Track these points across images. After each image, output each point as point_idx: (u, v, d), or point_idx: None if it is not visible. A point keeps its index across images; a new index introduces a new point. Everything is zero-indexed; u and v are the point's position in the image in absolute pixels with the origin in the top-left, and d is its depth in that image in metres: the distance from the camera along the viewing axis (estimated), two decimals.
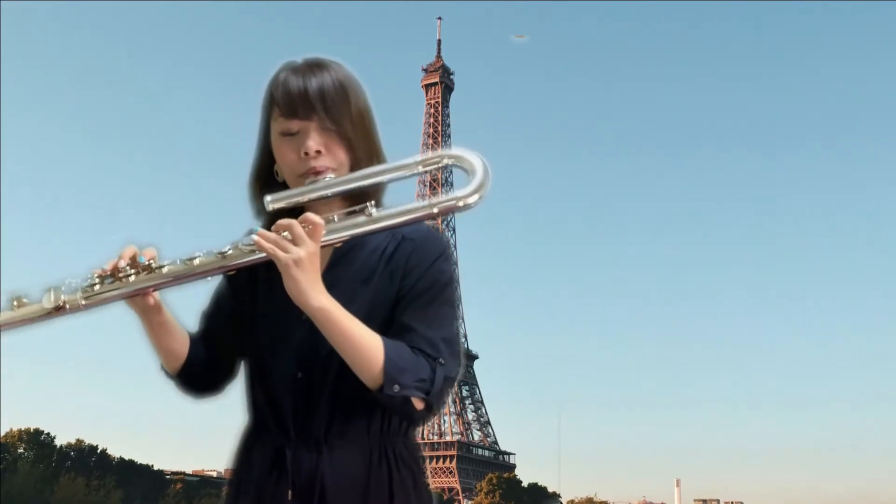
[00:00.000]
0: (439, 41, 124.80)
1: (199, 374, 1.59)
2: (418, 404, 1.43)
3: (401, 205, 1.43)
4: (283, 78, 1.50)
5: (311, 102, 1.47)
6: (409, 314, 1.48)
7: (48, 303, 1.41)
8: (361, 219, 1.42)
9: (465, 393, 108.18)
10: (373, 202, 1.42)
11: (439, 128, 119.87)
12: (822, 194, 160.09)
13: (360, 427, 1.50)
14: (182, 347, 1.56)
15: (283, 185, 1.52)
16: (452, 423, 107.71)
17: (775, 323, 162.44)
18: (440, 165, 1.44)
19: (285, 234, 1.39)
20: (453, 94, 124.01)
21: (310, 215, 1.39)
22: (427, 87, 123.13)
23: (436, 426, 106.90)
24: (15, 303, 1.43)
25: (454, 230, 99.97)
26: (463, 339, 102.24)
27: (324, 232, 1.40)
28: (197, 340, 1.60)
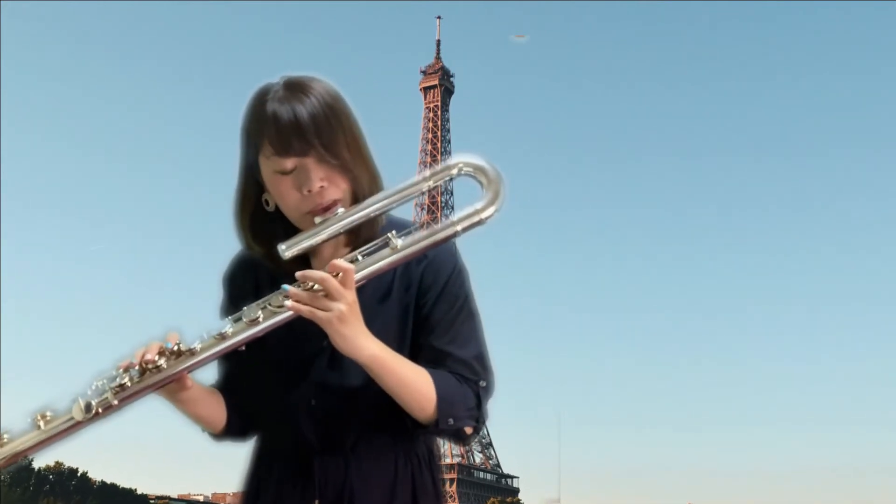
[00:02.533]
0: (438, 42, 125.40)
1: (241, 425, 1.63)
2: (468, 430, 1.55)
3: (423, 229, 1.45)
4: (271, 111, 1.46)
5: (306, 138, 1.44)
6: (437, 336, 1.54)
7: (78, 414, 1.37)
8: (386, 251, 1.43)
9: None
10: (394, 231, 1.44)
11: (438, 133, 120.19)
12: (849, 202, 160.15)
13: (384, 439, 1.57)
14: (218, 411, 1.59)
15: (276, 215, 1.53)
16: (452, 445, 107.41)
17: (795, 337, 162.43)
18: (452, 176, 1.47)
19: (312, 285, 1.40)
20: (453, 98, 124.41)
21: (339, 262, 1.40)
22: (425, 90, 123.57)
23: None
24: (41, 421, 1.39)
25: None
26: None
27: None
28: (226, 389, 1.63)
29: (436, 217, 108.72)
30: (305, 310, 1.39)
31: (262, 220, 1.54)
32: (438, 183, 1.47)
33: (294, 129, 1.45)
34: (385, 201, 1.46)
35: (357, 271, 1.41)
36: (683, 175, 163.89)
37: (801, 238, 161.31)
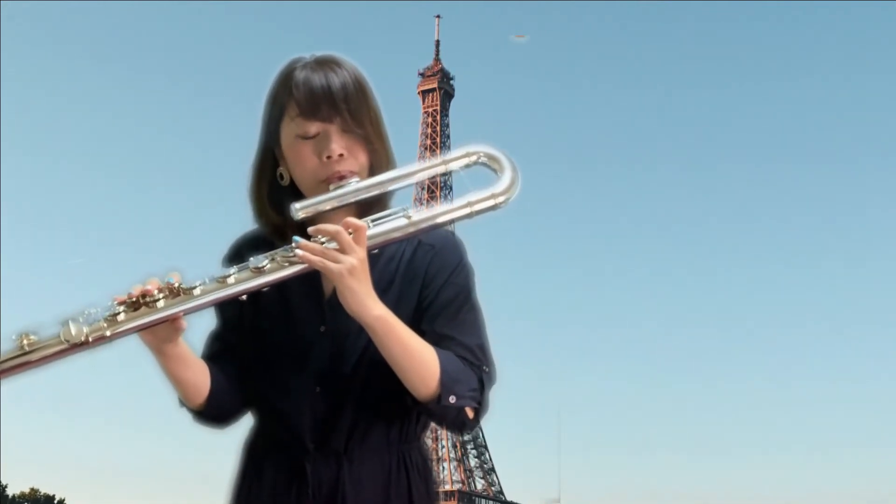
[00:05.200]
0: (437, 42, 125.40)
1: (224, 401, 1.67)
2: (469, 413, 1.60)
3: (437, 206, 1.55)
4: (302, 77, 1.58)
5: (335, 103, 1.57)
6: (441, 323, 1.62)
7: (68, 336, 1.37)
8: (402, 222, 1.52)
9: (466, 437, 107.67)
10: (407, 206, 1.54)
11: (438, 139, 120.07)
12: (875, 211, 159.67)
13: (379, 437, 1.65)
14: (203, 380, 1.63)
15: (290, 189, 1.63)
16: (452, 471, 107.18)
17: (820, 355, 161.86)
18: (468, 164, 1.59)
19: (323, 240, 1.48)
20: (453, 102, 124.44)
21: (352, 220, 1.49)
22: (424, 93, 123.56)
23: (435, 473, 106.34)
24: (24, 341, 1.38)
25: None
26: None
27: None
28: (213, 365, 1.67)
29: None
30: (316, 260, 1.45)
31: (275, 193, 1.65)
32: (452, 168, 1.59)
33: (324, 93, 1.57)
34: (399, 178, 1.58)
35: (369, 237, 1.50)
36: (699, 182, 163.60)
37: (828, 249, 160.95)
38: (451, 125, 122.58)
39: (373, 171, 1.60)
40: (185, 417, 1.68)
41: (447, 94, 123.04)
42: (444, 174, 1.60)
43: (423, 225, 1.53)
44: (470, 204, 1.54)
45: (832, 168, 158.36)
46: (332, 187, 1.55)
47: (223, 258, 1.73)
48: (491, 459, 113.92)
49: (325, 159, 1.57)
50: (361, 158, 1.60)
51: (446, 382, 1.55)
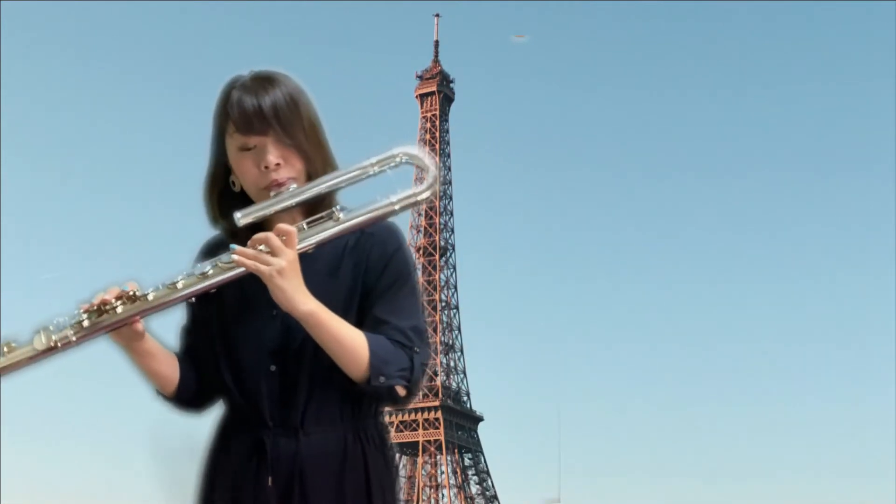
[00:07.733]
0: (437, 43, 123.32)
1: (195, 389, 1.99)
2: (401, 391, 1.88)
3: (364, 205, 1.85)
4: (236, 97, 1.88)
5: (266, 119, 1.85)
6: (379, 308, 1.91)
7: (39, 344, 1.73)
8: (330, 223, 1.83)
9: (467, 462, 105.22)
10: (339, 206, 1.84)
11: (437, 145, 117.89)
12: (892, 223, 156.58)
13: (334, 412, 1.91)
14: (171, 369, 1.95)
15: (241, 195, 1.93)
16: (453, 498, 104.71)
17: (839, 374, 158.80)
18: (394, 164, 1.86)
19: (261, 246, 1.77)
20: (453, 106, 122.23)
21: (282, 226, 1.79)
22: (422, 97, 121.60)
23: (433, 501, 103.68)
24: (5, 348, 1.74)
25: (454, 268, 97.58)
26: (465, 398, 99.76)
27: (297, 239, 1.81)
28: (185, 357, 2.00)
29: (433, 240, 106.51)
30: (249, 264, 1.77)
31: (228, 200, 1.94)
32: (383, 169, 1.86)
33: (255, 111, 1.86)
34: (335, 180, 1.87)
35: (302, 238, 1.81)
36: (715, 192, 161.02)
37: (850, 262, 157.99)
38: (451, 131, 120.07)
39: (310, 176, 1.89)
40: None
41: (447, 98, 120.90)
42: (374, 175, 1.87)
43: (350, 223, 1.83)
44: (391, 203, 1.83)
45: (853, 177, 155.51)
46: (272, 194, 1.86)
47: (196, 255, 2.02)
48: (493, 486, 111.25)
49: (263, 169, 1.87)
50: (298, 165, 1.89)
51: (375, 364, 1.82)
